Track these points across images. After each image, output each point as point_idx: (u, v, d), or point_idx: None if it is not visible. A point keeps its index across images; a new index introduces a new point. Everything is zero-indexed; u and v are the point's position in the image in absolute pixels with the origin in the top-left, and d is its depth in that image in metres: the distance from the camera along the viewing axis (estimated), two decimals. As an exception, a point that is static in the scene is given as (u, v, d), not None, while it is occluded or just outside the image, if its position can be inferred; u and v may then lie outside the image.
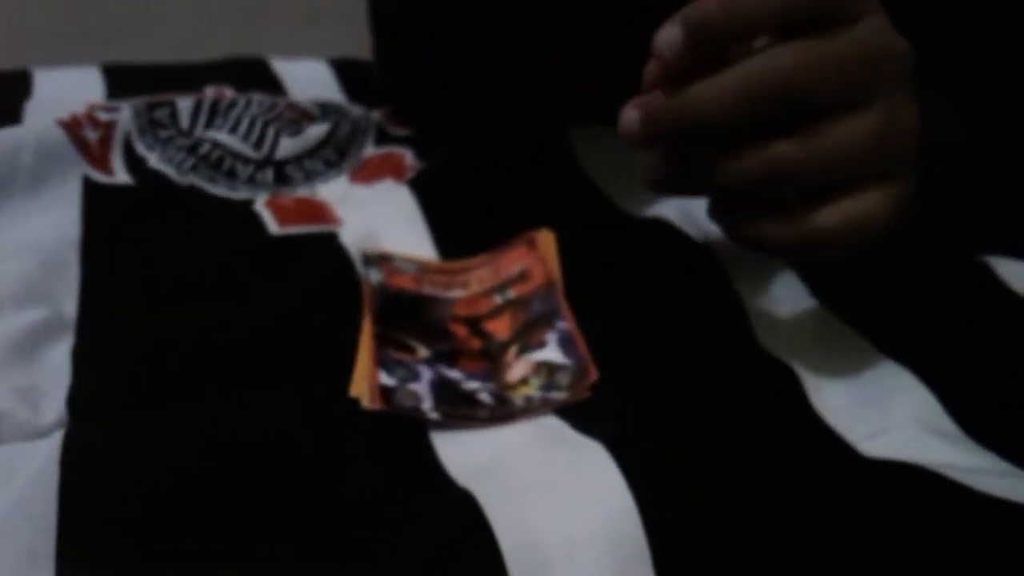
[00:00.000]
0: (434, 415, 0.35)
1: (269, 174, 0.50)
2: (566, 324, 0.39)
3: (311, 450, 0.33)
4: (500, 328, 0.40)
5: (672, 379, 0.36)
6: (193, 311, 0.40)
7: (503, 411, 0.35)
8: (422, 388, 0.36)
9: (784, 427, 0.35)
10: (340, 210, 0.48)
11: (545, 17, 0.50)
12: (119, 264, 0.43)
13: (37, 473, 0.30)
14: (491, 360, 0.39)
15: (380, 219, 0.47)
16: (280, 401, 0.35)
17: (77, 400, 0.35)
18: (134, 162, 0.49)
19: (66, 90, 0.57)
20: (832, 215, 0.35)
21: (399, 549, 0.29)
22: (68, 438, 0.32)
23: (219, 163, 0.50)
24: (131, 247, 0.44)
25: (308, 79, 0.62)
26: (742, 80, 0.34)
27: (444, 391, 0.36)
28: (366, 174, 0.51)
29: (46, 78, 0.60)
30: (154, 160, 0.49)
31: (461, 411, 0.35)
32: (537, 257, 0.43)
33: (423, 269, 0.44)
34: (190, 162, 0.49)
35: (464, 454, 0.33)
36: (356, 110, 0.55)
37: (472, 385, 0.37)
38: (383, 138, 0.54)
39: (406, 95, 0.56)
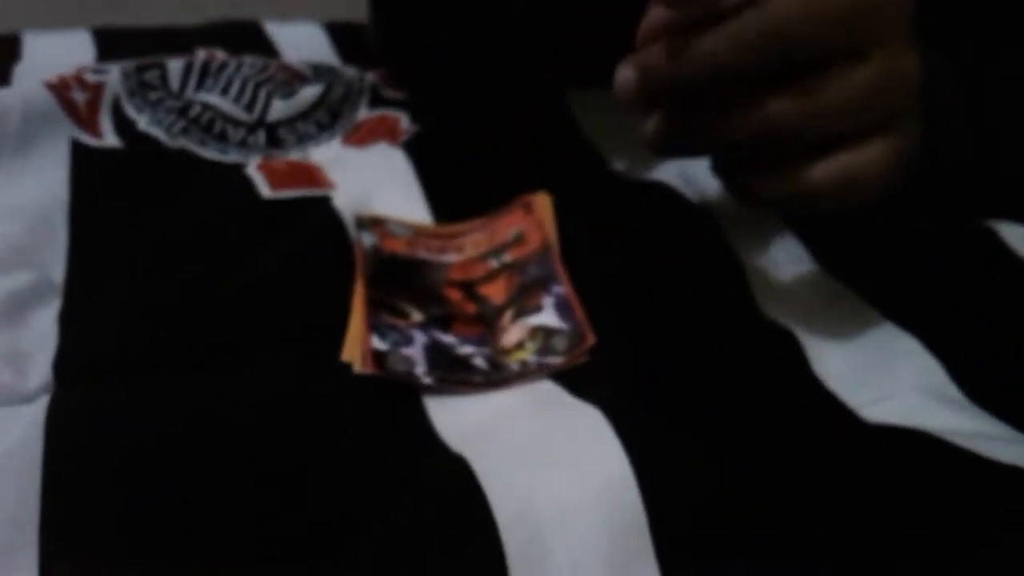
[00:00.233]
0: (428, 380, 0.34)
1: (261, 137, 0.49)
2: (562, 288, 0.38)
3: (302, 415, 0.32)
4: (495, 292, 0.40)
5: (671, 344, 0.36)
6: (183, 275, 0.39)
7: (498, 376, 0.35)
8: (416, 353, 0.35)
9: (785, 393, 0.35)
10: (333, 173, 0.47)
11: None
12: (107, 228, 0.42)
13: (21, 439, 0.30)
14: (486, 325, 0.38)
15: (374, 182, 0.46)
16: (271, 366, 0.35)
17: (63, 365, 0.34)
18: (123, 124, 0.48)
19: (56, 53, 0.56)
20: (830, 169, 0.35)
21: (391, 514, 0.28)
22: (53, 403, 0.31)
23: (210, 126, 0.49)
24: (120, 211, 0.43)
25: (302, 42, 0.61)
26: (737, 32, 0.33)
27: (438, 356, 0.35)
28: (360, 137, 0.50)
29: (36, 41, 0.59)
30: (144, 123, 0.48)
31: (455, 376, 0.34)
32: (533, 221, 0.43)
33: (417, 233, 0.43)
34: (180, 125, 0.48)
35: (458, 419, 0.33)
36: (350, 72, 0.54)
37: (467, 350, 0.36)
38: (377, 101, 0.53)
39: (401, 57, 0.56)
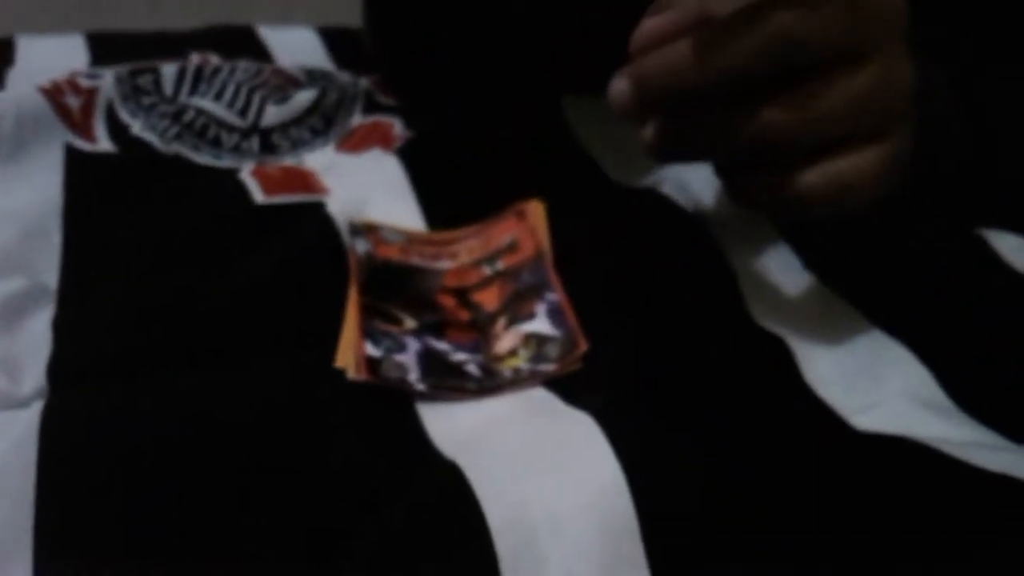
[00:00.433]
0: (421, 386, 0.34)
1: (255, 142, 0.49)
2: (555, 295, 0.39)
3: (295, 420, 0.32)
4: (488, 299, 0.40)
5: (663, 351, 0.36)
6: (176, 280, 0.39)
7: (491, 383, 0.35)
8: (409, 359, 0.35)
9: (775, 399, 0.35)
10: (327, 179, 0.47)
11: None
12: (101, 233, 0.42)
13: (15, 444, 0.30)
14: (479, 331, 0.38)
15: (367, 189, 0.46)
16: (265, 371, 0.35)
17: (57, 370, 0.34)
18: (117, 129, 0.48)
19: (49, 58, 0.56)
20: (825, 174, 0.35)
21: (384, 520, 0.28)
22: (48, 408, 0.31)
23: (204, 131, 0.49)
24: (114, 216, 0.43)
25: (296, 47, 0.61)
26: (733, 40, 0.34)
27: (431, 362, 0.36)
28: (354, 143, 0.51)
29: (29, 45, 0.59)
30: (137, 127, 0.48)
31: (448, 383, 0.35)
32: (527, 228, 0.43)
33: (411, 239, 0.43)
34: (174, 130, 0.48)
35: (451, 426, 0.33)
36: (344, 77, 0.54)
37: (460, 357, 0.36)
38: (371, 107, 0.53)
39: (395, 63, 0.56)
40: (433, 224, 0.45)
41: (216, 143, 0.49)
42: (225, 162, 0.48)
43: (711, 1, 0.36)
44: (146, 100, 0.50)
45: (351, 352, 0.35)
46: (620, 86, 0.36)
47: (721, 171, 0.39)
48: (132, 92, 0.50)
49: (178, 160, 0.47)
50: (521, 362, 0.36)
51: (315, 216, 0.44)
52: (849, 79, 0.34)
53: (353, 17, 0.57)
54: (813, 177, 0.35)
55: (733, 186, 0.38)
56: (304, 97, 0.52)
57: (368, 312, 0.37)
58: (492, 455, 0.30)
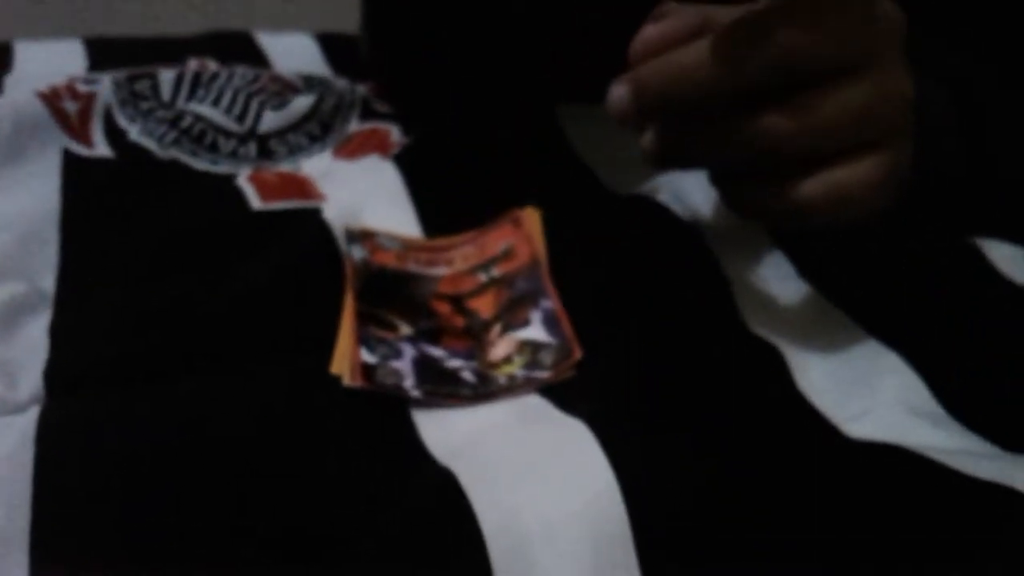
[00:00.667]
0: (416, 393, 0.34)
1: (252, 148, 0.49)
2: (550, 303, 0.39)
3: (291, 426, 0.33)
4: (484, 306, 0.40)
5: (657, 359, 0.36)
6: (173, 286, 0.39)
7: (486, 390, 0.35)
8: (404, 366, 0.36)
9: (768, 407, 0.35)
10: (323, 186, 0.47)
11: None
12: (99, 238, 0.42)
13: (12, 449, 0.30)
14: (474, 338, 0.38)
15: (364, 195, 0.46)
16: (261, 377, 0.35)
17: (54, 375, 0.34)
18: (114, 135, 0.48)
19: (47, 63, 0.56)
20: (822, 184, 0.35)
21: (378, 527, 0.29)
22: (44, 414, 0.31)
23: (201, 137, 0.49)
24: (111, 221, 0.43)
25: (293, 53, 0.61)
26: (732, 49, 0.34)
27: (426, 369, 0.36)
28: (351, 149, 0.51)
29: (27, 51, 0.59)
30: (135, 133, 0.48)
31: (443, 389, 0.35)
32: (522, 235, 0.43)
33: (407, 246, 0.43)
34: (172, 135, 0.49)
35: (446, 432, 0.33)
36: (341, 83, 0.54)
37: (455, 363, 0.36)
38: (368, 113, 0.53)
39: (393, 70, 0.56)
40: (429, 231, 0.45)
41: (213, 149, 0.49)
42: (222, 168, 0.48)
43: (712, 10, 0.36)
44: (144, 105, 0.50)
45: (346, 359, 0.35)
46: (619, 92, 0.36)
47: (716, 180, 0.39)
48: (130, 97, 0.50)
49: (175, 165, 0.47)
50: (516, 369, 0.36)
51: (312, 222, 0.44)
52: (849, 90, 0.35)
53: (351, 24, 0.57)
54: (811, 187, 0.35)
55: (729, 195, 0.38)
56: (302, 103, 0.52)
57: (364, 319, 0.38)
58: (486, 462, 0.31)
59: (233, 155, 0.49)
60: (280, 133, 0.51)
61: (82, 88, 0.49)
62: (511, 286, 0.40)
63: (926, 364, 0.37)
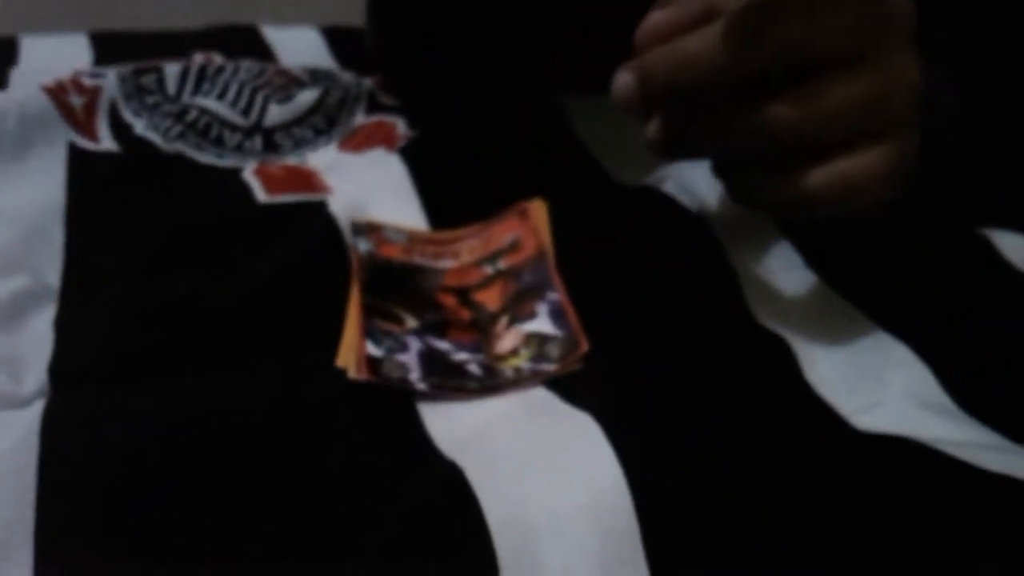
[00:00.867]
0: (422, 386, 0.34)
1: (258, 142, 0.49)
2: (557, 295, 0.39)
3: (297, 420, 0.32)
4: (490, 299, 0.40)
5: (664, 351, 0.36)
6: (179, 280, 0.39)
7: (492, 382, 0.35)
8: (410, 359, 0.35)
9: (776, 399, 0.35)
10: (329, 179, 0.47)
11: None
12: (104, 232, 0.42)
13: (17, 443, 0.30)
14: (481, 331, 0.38)
15: (370, 188, 0.46)
16: (267, 371, 0.35)
17: (59, 369, 0.34)
18: (120, 128, 0.48)
19: (53, 57, 0.57)
20: (828, 174, 0.35)
21: (384, 520, 0.28)
22: (49, 408, 0.31)
23: (207, 130, 0.49)
24: (116, 215, 0.43)
25: (299, 46, 0.61)
26: (738, 37, 0.33)
27: (433, 362, 0.36)
28: (356, 142, 0.51)
29: (33, 45, 0.59)
30: (140, 127, 0.48)
31: (450, 382, 0.35)
32: (529, 227, 0.43)
33: (413, 239, 0.43)
34: (177, 129, 0.48)
35: (452, 425, 0.33)
36: (347, 77, 0.54)
37: (461, 356, 0.36)
38: (374, 106, 0.53)
39: (398, 62, 0.56)
40: (435, 223, 0.45)
41: (219, 142, 0.49)
42: (228, 161, 0.48)
43: None
44: (149, 99, 0.50)
45: (352, 352, 0.35)
46: (625, 80, 0.36)
47: (720, 170, 0.39)
48: (135, 91, 0.50)
49: (181, 159, 0.47)
50: (522, 362, 0.36)
51: (317, 215, 0.44)
52: (855, 79, 0.34)
53: (356, 17, 0.57)
54: (818, 177, 0.35)
55: (733, 185, 0.38)
56: (307, 97, 0.52)
57: (370, 312, 0.37)
58: (493, 455, 0.30)
59: (239, 149, 0.49)
60: (286, 126, 0.50)
61: (87, 82, 0.49)
62: (517, 278, 0.40)
63: (935, 356, 0.37)
